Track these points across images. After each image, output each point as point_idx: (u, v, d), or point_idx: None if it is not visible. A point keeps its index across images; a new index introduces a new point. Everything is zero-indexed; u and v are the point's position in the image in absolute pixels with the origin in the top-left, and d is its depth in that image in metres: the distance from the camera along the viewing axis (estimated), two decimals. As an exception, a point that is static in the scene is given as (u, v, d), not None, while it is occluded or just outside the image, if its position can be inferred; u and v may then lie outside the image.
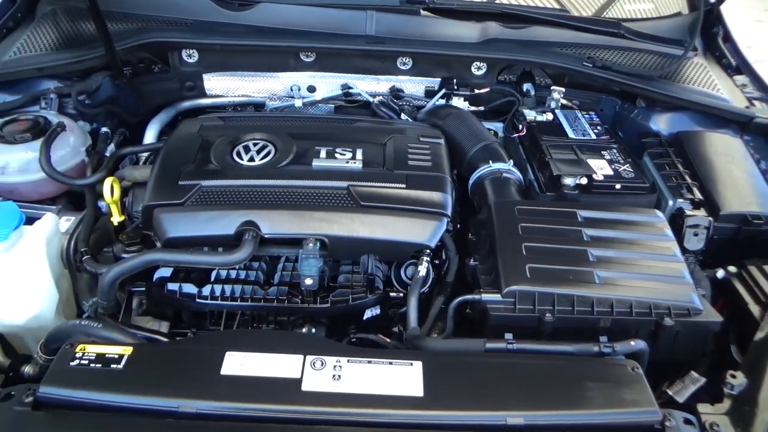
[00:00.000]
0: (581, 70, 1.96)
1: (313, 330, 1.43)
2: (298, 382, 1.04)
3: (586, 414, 1.02)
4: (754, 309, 1.36)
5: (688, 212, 1.59)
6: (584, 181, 1.60)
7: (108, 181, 1.51)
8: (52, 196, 1.67)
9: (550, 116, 1.93)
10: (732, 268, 1.48)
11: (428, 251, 1.41)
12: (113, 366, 1.06)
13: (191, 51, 2.04)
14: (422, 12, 2.07)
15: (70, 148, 1.68)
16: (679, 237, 1.53)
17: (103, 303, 1.31)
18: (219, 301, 1.41)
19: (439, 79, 2.08)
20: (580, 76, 1.99)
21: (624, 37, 2.07)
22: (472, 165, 1.71)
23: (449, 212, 1.46)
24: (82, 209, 1.59)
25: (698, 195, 1.63)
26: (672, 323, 1.22)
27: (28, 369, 1.15)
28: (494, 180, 1.64)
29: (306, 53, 2.05)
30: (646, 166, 1.80)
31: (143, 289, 1.48)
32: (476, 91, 2.06)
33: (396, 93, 2.07)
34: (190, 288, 1.42)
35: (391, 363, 1.09)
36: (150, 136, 1.96)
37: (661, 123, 1.96)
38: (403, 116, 1.96)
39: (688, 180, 1.68)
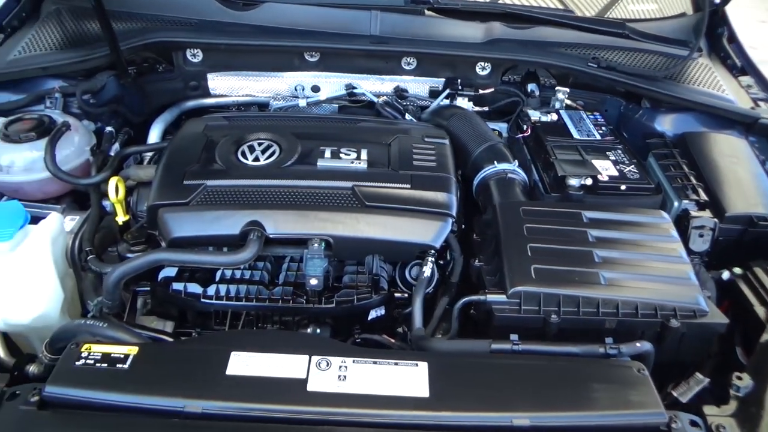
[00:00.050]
0: (586, 71, 1.96)
1: (318, 330, 1.42)
2: (303, 382, 1.04)
3: (592, 415, 1.02)
4: (760, 310, 1.35)
5: (693, 213, 1.58)
6: (589, 181, 1.59)
7: (113, 180, 1.51)
8: (56, 196, 1.68)
9: (554, 117, 1.93)
10: (737, 270, 1.48)
11: (433, 252, 1.41)
12: (119, 366, 1.06)
13: (195, 51, 2.04)
14: (427, 12, 2.07)
15: (74, 147, 1.69)
16: (685, 238, 1.53)
17: (107, 302, 1.31)
18: (224, 301, 1.41)
19: (444, 80, 2.08)
20: (584, 76, 1.98)
21: (628, 37, 2.07)
22: (476, 165, 1.70)
23: (454, 213, 1.46)
24: (86, 208, 1.60)
25: (703, 196, 1.63)
26: (678, 325, 1.22)
27: (32, 368, 1.15)
28: (499, 180, 1.64)
29: (310, 53, 2.05)
30: (651, 167, 1.79)
31: (148, 288, 1.48)
32: (480, 91, 2.05)
33: (400, 93, 2.06)
34: (194, 288, 1.42)
35: (396, 364, 1.09)
36: (154, 135, 1.96)
37: (666, 124, 1.96)
38: (408, 116, 1.96)
39: (694, 181, 1.67)
